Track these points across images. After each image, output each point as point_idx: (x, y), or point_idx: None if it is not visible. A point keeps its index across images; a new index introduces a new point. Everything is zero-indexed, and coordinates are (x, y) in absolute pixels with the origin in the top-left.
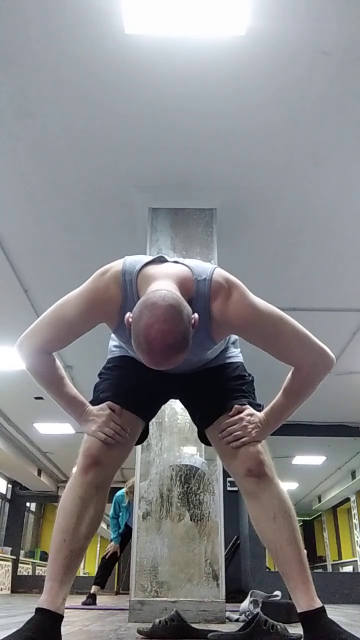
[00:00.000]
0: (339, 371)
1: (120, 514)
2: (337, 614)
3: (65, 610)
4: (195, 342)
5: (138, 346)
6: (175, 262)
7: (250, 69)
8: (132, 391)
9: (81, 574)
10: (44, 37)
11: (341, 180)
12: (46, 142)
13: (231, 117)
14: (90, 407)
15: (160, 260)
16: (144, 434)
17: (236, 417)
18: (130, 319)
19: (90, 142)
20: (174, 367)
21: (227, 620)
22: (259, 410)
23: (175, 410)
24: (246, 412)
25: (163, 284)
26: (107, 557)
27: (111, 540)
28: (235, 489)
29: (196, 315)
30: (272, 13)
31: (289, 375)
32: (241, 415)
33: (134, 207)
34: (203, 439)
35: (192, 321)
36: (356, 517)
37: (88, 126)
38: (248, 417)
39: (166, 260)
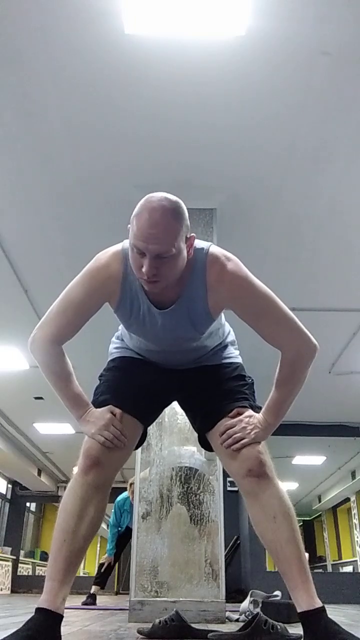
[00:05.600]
0: (339, 371)
1: (122, 517)
2: (337, 614)
3: (65, 610)
4: (193, 311)
5: (138, 213)
6: None
7: (250, 68)
8: (132, 394)
9: (81, 574)
10: (44, 37)
11: (342, 180)
12: (46, 142)
13: (231, 117)
14: (93, 409)
15: None
16: (141, 438)
17: (235, 420)
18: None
19: (90, 142)
20: (167, 240)
21: (227, 620)
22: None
23: (175, 411)
24: (245, 414)
25: None
26: (102, 570)
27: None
28: (235, 489)
29: (194, 235)
30: (272, 13)
31: (277, 366)
32: (240, 417)
33: (133, 207)
34: (204, 444)
35: (190, 235)
36: (356, 517)
37: (88, 126)
38: (247, 419)
39: None
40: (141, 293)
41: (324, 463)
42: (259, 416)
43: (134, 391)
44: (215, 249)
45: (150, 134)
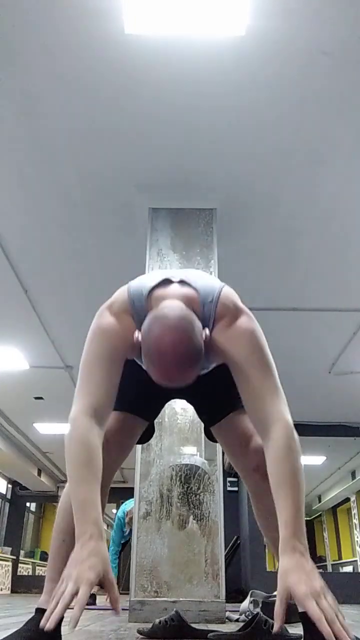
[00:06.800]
0: (339, 371)
1: (123, 532)
2: None
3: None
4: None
5: (150, 359)
6: (181, 281)
7: (250, 68)
8: (134, 393)
9: None
10: (44, 37)
11: (341, 180)
12: (46, 142)
13: (231, 117)
14: (99, 543)
15: (166, 282)
16: (150, 433)
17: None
18: (140, 337)
19: (90, 142)
20: (187, 382)
21: (227, 620)
22: None
23: (175, 410)
24: (313, 615)
25: (172, 301)
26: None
27: None
28: (235, 489)
29: (207, 330)
30: (272, 13)
31: (270, 471)
32: (318, 619)
33: (134, 207)
34: (209, 435)
35: (203, 336)
36: (356, 517)
37: (88, 126)
38: (316, 608)
39: (172, 282)
40: None
41: (324, 463)
42: (287, 563)
43: (137, 390)
44: (224, 299)
45: (150, 134)
